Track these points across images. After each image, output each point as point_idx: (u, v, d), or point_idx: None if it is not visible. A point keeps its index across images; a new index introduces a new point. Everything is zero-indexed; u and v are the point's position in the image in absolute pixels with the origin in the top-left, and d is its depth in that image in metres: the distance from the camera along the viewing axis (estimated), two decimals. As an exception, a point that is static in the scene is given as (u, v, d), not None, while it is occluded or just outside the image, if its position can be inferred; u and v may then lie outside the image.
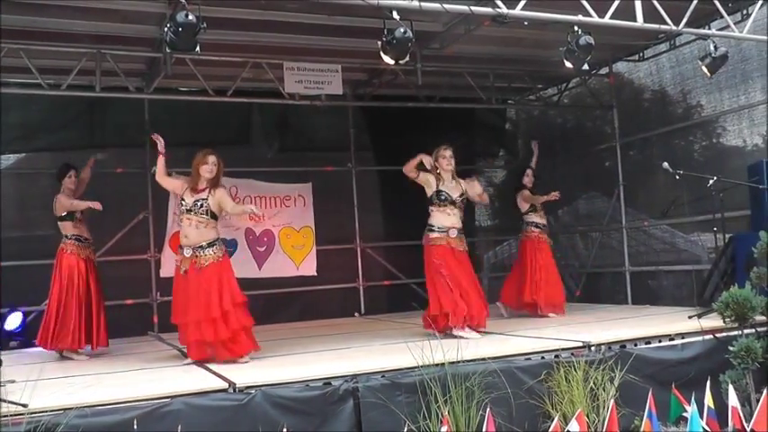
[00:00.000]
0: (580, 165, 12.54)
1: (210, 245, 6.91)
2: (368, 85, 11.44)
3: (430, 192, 8.12)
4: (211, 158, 6.99)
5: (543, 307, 9.57)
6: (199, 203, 6.91)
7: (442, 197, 8.07)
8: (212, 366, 6.41)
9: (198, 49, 6.53)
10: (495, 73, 11.22)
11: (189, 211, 6.94)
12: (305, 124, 11.83)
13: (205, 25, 6.29)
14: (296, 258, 11.37)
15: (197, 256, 6.86)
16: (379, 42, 7.02)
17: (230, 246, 10.43)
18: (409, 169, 8.14)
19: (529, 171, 10.15)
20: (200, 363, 6.74)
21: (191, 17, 6.22)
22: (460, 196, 8.17)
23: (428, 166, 8.13)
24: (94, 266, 8.41)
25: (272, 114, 11.78)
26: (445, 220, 8.05)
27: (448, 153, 8.15)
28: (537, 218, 10.06)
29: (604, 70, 11.48)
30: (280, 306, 11.41)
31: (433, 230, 8.04)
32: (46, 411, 4.71)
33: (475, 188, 8.38)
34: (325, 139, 12.17)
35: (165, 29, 6.47)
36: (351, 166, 12.24)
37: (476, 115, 13.03)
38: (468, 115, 12.70)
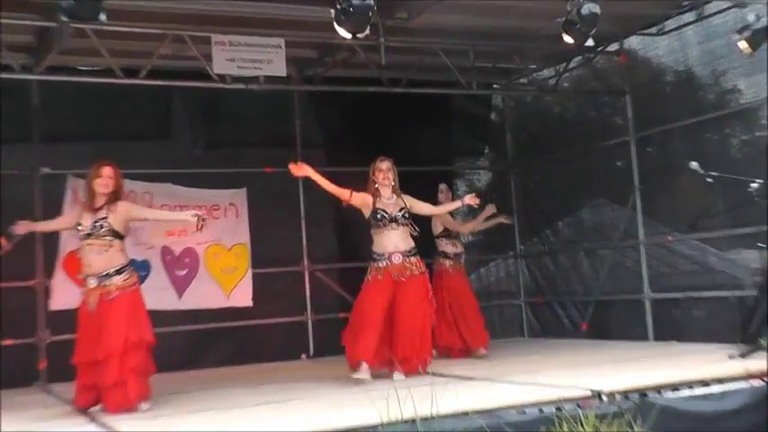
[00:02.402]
0: (584, 165, 12.58)
1: (119, 272, 7.31)
2: (318, 65, 11.46)
3: (368, 213, 8.66)
4: (105, 170, 7.45)
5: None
6: (98, 225, 7.31)
7: (378, 216, 8.60)
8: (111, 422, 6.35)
9: (103, 17, 6.42)
10: (476, 50, 11.28)
11: (89, 235, 7.33)
12: (239, 114, 11.75)
13: (112, -13, 6.18)
14: (226, 285, 11.32)
15: (105, 286, 7.24)
16: (333, 11, 7.06)
17: (142, 269, 10.36)
18: (338, 194, 8.67)
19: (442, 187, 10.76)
20: (86, 410, 7.08)
21: (94, -24, 6.11)
22: (400, 211, 8.58)
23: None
24: None
25: (196, 101, 11.73)
26: (387, 242, 8.60)
27: (384, 165, 8.68)
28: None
29: (614, 47, 11.55)
30: (205, 346, 11.43)
31: (373, 260, 8.65)
32: None
33: (421, 208, 8.81)
34: (265, 132, 12.10)
35: (63, -9, 6.36)
36: (296, 167, 12.16)
37: (453, 103, 13.16)
38: (444, 103, 12.82)
